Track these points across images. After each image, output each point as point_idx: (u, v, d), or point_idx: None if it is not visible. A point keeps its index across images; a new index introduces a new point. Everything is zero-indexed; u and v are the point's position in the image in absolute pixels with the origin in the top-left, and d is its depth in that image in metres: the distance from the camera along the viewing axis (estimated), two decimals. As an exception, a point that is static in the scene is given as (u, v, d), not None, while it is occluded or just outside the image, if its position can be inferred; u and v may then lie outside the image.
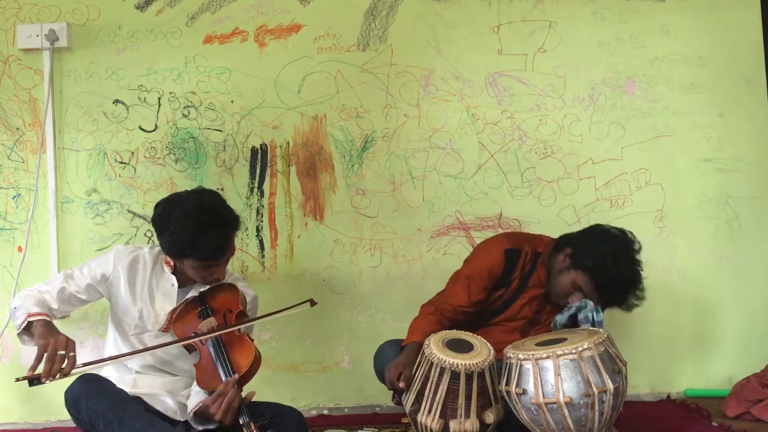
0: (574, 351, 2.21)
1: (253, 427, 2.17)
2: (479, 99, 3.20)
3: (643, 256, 2.56)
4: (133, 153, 3.13)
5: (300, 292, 3.08)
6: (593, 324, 2.46)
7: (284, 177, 3.16)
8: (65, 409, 2.29)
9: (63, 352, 2.14)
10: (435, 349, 2.33)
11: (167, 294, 2.47)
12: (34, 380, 2.11)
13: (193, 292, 2.47)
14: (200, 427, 2.29)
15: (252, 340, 2.39)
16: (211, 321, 2.39)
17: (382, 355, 2.61)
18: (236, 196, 3.12)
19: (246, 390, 2.28)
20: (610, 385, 2.20)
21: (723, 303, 3.20)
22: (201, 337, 2.34)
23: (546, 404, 2.21)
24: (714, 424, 2.71)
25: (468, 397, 2.31)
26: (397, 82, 3.18)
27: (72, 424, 2.33)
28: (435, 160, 3.19)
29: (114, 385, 2.33)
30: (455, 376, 2.29)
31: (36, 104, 3.10)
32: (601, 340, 2.26)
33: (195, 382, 2.35)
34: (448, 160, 3.19)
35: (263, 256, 3.14)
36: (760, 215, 3.22)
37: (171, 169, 3.13)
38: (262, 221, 3.15)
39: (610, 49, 3.22)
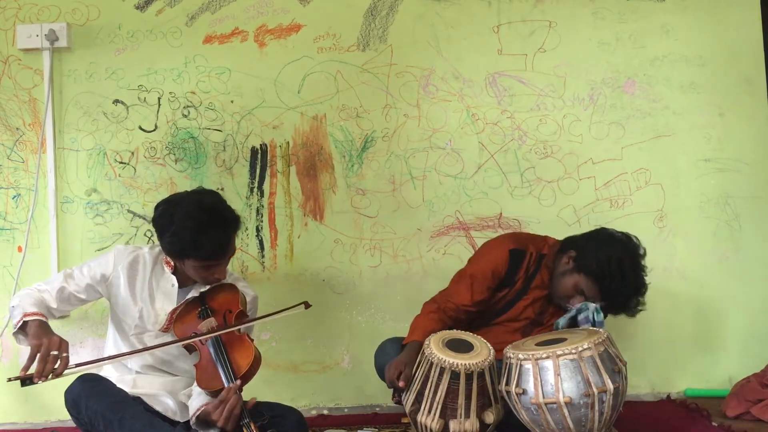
0: (574, 351, 2.21)
1: (253, 427, 2.17)
2: (479, 99, 3.20)
3: (643, 257, 2.58)
4: (133, 153, 3.13)
5: (300, 292, 3.08)
6: (594, 324, 2.46)
7: (284, 177, 3.16)
8: (65, 409, 2.29)
9: (56, 353, 2.14)
10: (435, 348, 2.33)
11: (167, 294, 2.47)
12: (26, 380, 2.11)
13: (193, 293, 2.47)
14: None
15: (252, 340, 2.39)
16: (211, 321, 2.39)
17: (383, 353, 2.61)
18: (236, 196, 3.12)
19: (246, 391, 2.28)
20: (610, 385, 2.20)
21: (723, 303, 3.20)
22: (201, 337, 2.34)
23: (546, 404, 2.21)
24: (714, 424, 2.71)
25: (468, 397, 2.31)
26: (397, 82, 3.18)
27: (72, 424, 2.33)
28: (435, 160, 3.19)
29: (114, 385, 2.33)
30: (455, 376, 2.29)
31: (36, 104, 3.10)
32: (600, 340, 2.26)
33: (195, 383, 2.35)
34: (448, 160, 3.19)
35: (263, 256, 3.14)
36: (760, 215, 3.22)
37: (171, 169, 3.13)
38: (262, 221, 3.15)
39: (610, 49, 3.22)
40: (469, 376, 2.29)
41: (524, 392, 2.24)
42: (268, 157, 3.16)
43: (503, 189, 3.19)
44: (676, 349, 3.19)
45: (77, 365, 2.24)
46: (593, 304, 2.49)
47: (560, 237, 2.72)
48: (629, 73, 3.22)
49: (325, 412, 3.07)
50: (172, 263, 2.46)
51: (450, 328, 2.52)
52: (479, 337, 2.46)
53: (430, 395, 2.33)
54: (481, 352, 2.36)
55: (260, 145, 3.16)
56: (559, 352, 2.22)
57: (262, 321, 2.56)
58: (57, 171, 3.08)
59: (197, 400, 2.32)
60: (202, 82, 3.15)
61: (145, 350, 2.39)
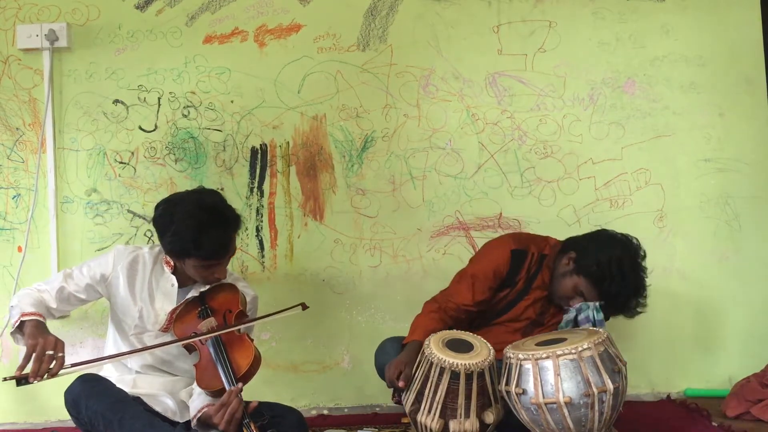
0: (573, 351, 2.21)
1: (253, 427, 2.17)
2: (479, 99, 3.20)
3: (642, 257, 2.58)
4: (133, 153, 3.13)
5: (300, 292, 3.08)
6: (594, 323, 2.46)
7: (284, 177, 3.16)
8: (65, 409, 2.29)
9: (51, 353, 2.14)
10: (435, 348, 2.33)
11: (167, 294, 2.47)
12: (21, 380, 2.11)
13: (193, 292, 2.47)
14: None
15: (252, 340, 2.39)
16: (211, 321, 2.39)
17: (383, 353, 2.61)
18: (236, 196, 3.12)
19: (246, 391, 2.27)
20: (610, 385, 2.20)
21: (723, 303, 3.20)
22: (201, 337, 2.34)
23: (546, 404, 2.21)
24: (714, 424, 2.71)
25: (468, 397, 2.31)
26: (397, 82, 3.18)
27: (72, 424, 2.33)
28: (435, 160, 3.19)
29: (114, 385, 2.33)
30: (455, 375, 2.29)
31: (36, 104, 3.10)
32: (600, 340, 2.26)
33: (195, 383, 2.35)
34: (448, 160, 3.19)
35: (263, 256, 3.14)
36: (760, 215, 3.22)
37: (171, 169, 3.13)
38: (261, 221, 3.15)
39: (610, 49, 3.22)
40: (469, 376, 2.29)
41: (524, 392, 2.24)
42: (268, 157, 3.16)
43: (503, 189, 3.19)
44: (676, 349, 3.19)
45: (74, 365, 2.24)
46: (593, 303, 2.49)
47: (560, 237, 2.72)
48: (629, 73, 3.22)
49: (325, 412, 3.07)
50: (172, 263, 2.46)
51: (450, 328, 2.52)
52: (479, 337, 2.46)
53: (430, 395, 2.33)
54: (481, 352, 2.36)
55: (260, 145, 3.16)
56: (559, 352, 2.22)
57: (262, 321, 2.56)
58: (57, 171, 3.08)
59: (198, 400, 2.32)
60: (202, 82, 3.15)
61: (144, 350, 2.39)
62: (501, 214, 3.18)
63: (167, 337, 2.44)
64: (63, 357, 2.16)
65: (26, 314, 2.26)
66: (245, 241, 3.13)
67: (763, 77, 3.23)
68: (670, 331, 3.18)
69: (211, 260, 2.37)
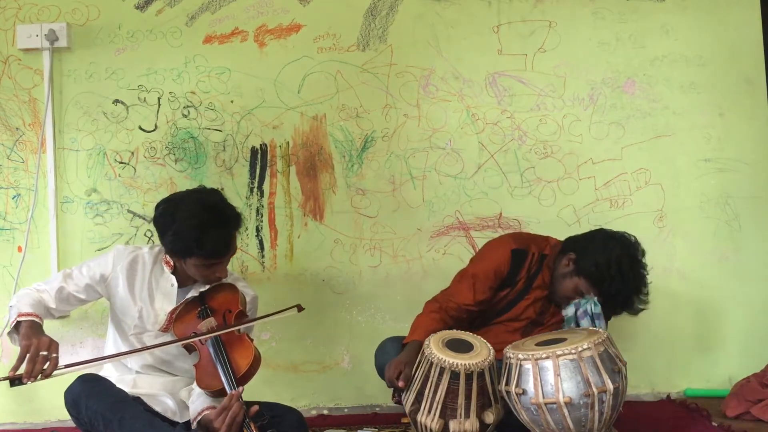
0: (573, 351, 2.21)
1: (252, 427, 2.17)
2: (479, 99, 3.20)
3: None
4: (133, 153, 3.13)
5: (300, 292, 3.09)
6: (591, 316, 2.46)
7: (284, 177, 3.16)
8: (65, 409, 2.29)
9: (45, 353, 2.13)
10: (435, 348, 2.33)
11: (167, 294, 2.47)
12: (15, 380, 2.11)
13: (192, 292, 2.47)
14: None
15: (252, 340, 2.38)
16: (211, 321, 2.39)
17: (383, 353, 2.62)
18: (236, 196, 3.12)
19: (246, 391, 2.27)
20: (610, 385, 2.20)
21: (723, 303, 3.20)
22: (200, 337, 2.34)
23: (546, 404, 2.21)
24: (714, 424, 2.71)
25: (468, 397, 2.31)
26: (397, 82, 3.18)
27: (72, 424, 2.33)
28: (435, 160, 3.19)
29: (114, 385, 2.33)
30: (455, 376, 2.29)
31: (36, 104, 3.10)
32: (600, 340, 2.26)
33: (195, 383, 2.35)
34: (447, 160, 3.19)
35: (263, 256, 3.14)
36: (760, 215, 3.22)
37: (171, 169, 3.13)
38: (261, 221, 3.15)
39: (610, 49, 3.22)
40: (468, 376, 2.29)
41: (524, 392, 2.24)
42: (268, 157, 3.16)
43: (503, 189, 3.19)
44: (676, 349, 3.19)
45: (73, 365, 2.24)
46: (590, 297, 2.49)
47: (560, 237, 2.72)
48: (629, 73, 3.22)
49: (325, 412, 3.07)
50: (172, 263, 2.46)
51: (451, 328, 2.52)
52: (479, 337, 2.46)
53: (430, 395, 2.33)
54: (481, 352, 2.36)
55: (260, 145, 3.16)
56: (558, 352, 2.22)
57: (262, 321, 2.55)
58: (57, 171, 3.08)
59: (198, 402, 2.32)
60: (202, 82, 3.15)
61: (144, 350, 2.39)
62: (501, 214, 3.18)
63: (167, 337, 2.44)
64: (57, 358, 2.16)
65: (23, 314, 2.26)
66: (245, 241, 3.12)
67: (763, 77, 3.23)
68: (670, 331, 3.19)
69: (213, 259, 2.38)
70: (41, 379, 2.12)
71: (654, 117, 3.21)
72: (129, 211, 3.11)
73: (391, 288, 3.15)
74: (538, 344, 2.33)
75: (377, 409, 3.07)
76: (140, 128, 3.13)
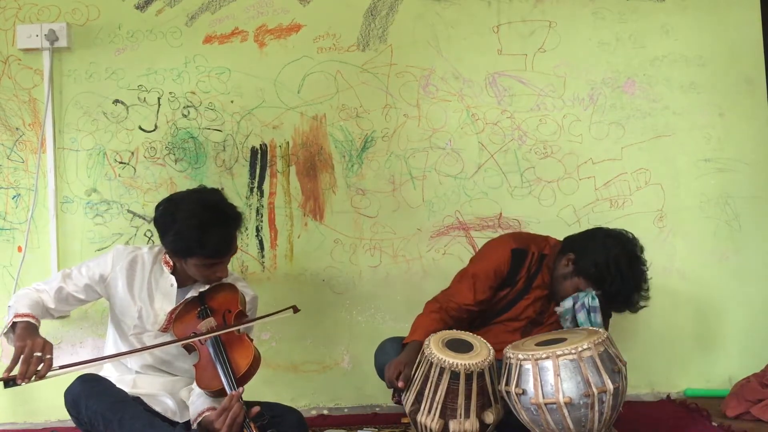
0: (573, 351, 2.21)
1: (253, 428, 2.17)
2: (479, 99, 3.20)
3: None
4: (132, 153, 3.13)
5: (300, 292, 3.09)
6: (588, 309, 2.46)
7: (284, 177, 3.16)
8: (65, 409, 2.29)
9: (39, 354, 2.13)
10: (435, 348, 2.33)
11: (166, 294, 2.47)
12: (9, 381, 2.11)
13: (192, 292, 2.47)
14: None
15: (251, 340, 2.38)
16: (211, 321, 2.39)
17: (383, 353, 2.62)
18: (236, 196, 3.12)
19: (246, 391, 2.27)
20: (610, 386, 2.20)
21: (723, 303, 3.20)
22: (200, 337, 2.34)
23: (546, 404, 2.21)
24: (714, 424, 2.71)
25: (468, 397, 2.31)
26: (397, 82, 3.18)
27: (72, 424, 2.33)
28: (435, 160, 3.18)
29: (114, 385, 2.33)
30: (455, 376, 2.29)
31: (36, 104, 3.10)
32: (600, 340, 2.26)
33: (195, 383, 2.35)
34: (447, 160, 3.19)
35: (263, 256, 3.14)
36: (760, 215, 3.22)
37: (171, 169, 3.13)
38: (261, 221, 3.15)
39: (610, 49, 3.22)
40: (468, 376, 2.29)
41: (524, 392, 2.24)
42: (268, 157, 3.16)
43: (503, 189, 3.19)
44: (676, 349, 3.19)
45: (73, 365, 2.24)
46: (589, 291, 2.49)
47: (560, 237, 2.72)
48: (629, 73, 3.22)
49: (325, 412, 3.07)
50: (171, 263, 2.45)
51: (451, 328, 2.52)
52: (479, 337, 2.46)
53: (430, 395, 2.33)
54: (481, 352, 2.36)
55: (260, 145, 3.16)
56: (558, 353, 2.22)
57: (262, 321, 2.55)
58: (57, 171, 3.08)
59: (198, 402, 2.32)
60: (202, 82, 3.15)
61: (143, 350, 2.39)
62: (501, 214, 3.18)
63: (167, 337, 2.44)
64: (51, 359, 2.16)
65: (19, 315, 2.26)
66: (245, 241, 3.12)
67: (763, 77, 3.22)
68: (670, 330, 3.19)
69: (214, 259, 2.38)
70: (35, 380, 2.12)
71: (654, 117, 3.21)
72: (129, 211, 3.11)
73: (391, 288, 3.15)
74: (538, 344, 2.33)
75: (377, 409, 3.07)
76: (140, 128, 3.13)
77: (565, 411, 2.20)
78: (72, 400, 2.25)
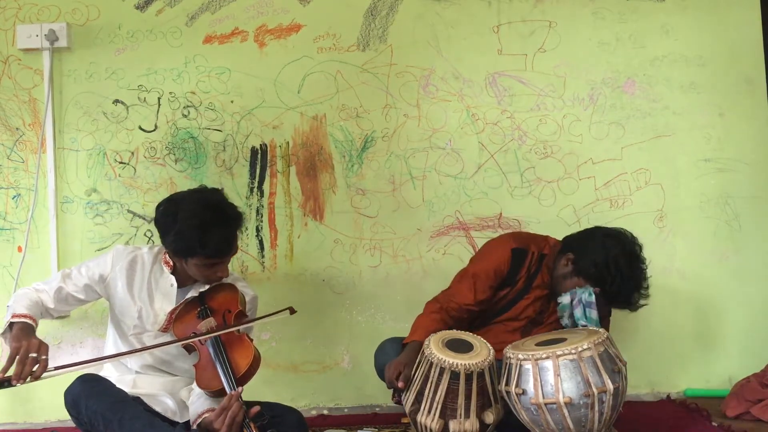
0: (573, 351, 2.21)
1: (252, 428, 2.17)
2: (479, 99, 3.20)
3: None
4: (133, 153, 3.13)
5: (300, 292, 3.09)
6: (584, 306, 2.46)
7: (284, 177, 3.16)
8: (65, 409, 2.29)
9: (35, 355, 2.13)
10: (435, 349, 2.33)
11: (166, 294, 2.47)
12: (4, 382, 2.11)
13: (192, 293, 2.47)
14: None
15: (251, 340, 2.38)
16: (211, 321, 2.39)
17: (383, 353, 2.62)
18: (236, 196, 3.11)
19: (246, 391, 2.27)
20: (610, 386, 2.20)
21: (723, 303, 3.20)
22: (200, 337, 2.34)
23: (546, 404, 2.21)
24: (714, 424, 2.71)
25: (468, 397, 2.31)
26: (397, 82, 3.18)
27: (72, 424, 2.33)
28: (435, 160, 3.19)
29: (114, 385, 2.33)
30: (455, 376, 2.29)
31: (36, 104, 3.10)
32: (600, 340, 2.26)
33: (195, 383, 2.35)
34: (447, 160, 3.19)
35: (263, 256, 3.14)
36: (760, 215, 3.22)
37: (171, 169, 3.13)
38: (262, 221, 3.15)
39: (610, 49, 3.22)
40: (468, 376, 2.29)
41: (524, 392, 2.24)
42: (268, 157, 3.16)
43: (503, 189, 3.19)
44: (676, 349, 3.19)
45: (69, 365, 2.24)
46: (587, 287, 2.49)
47: (560, 237, 2.72)
48: (629, 73, 3.22)
49: (325, 412, 3.07)
50: (171, 263, 2.45)
51: (451, 328, 2.52)
52: (479, 337, 2.46)
53: (430, 395, 2.33)
54: (481, 352, 2.36)
55: (260, 145, 3.16)
56: (558, 353, 2.22)
57: (261, 322, 2.55)
58: (57, 171, 3.08)
59: (197, 403, 2.32)
60: (202, 82, 3.15)
61: (143, 350, 2.39)
62: (501, 214, 3.18)
63: (167, 338, 2.44)
64: (46, 360, 2.16)
65: (16, 316, 2.26)
66: (245, 241, 3.12)
67: (763, 77, 3.23)
68: (670, 330, 3.19)
69: (216, 258, 2.37)
70: (30, 381, 2.13)
71: (654, 117, 3.21)
72: (129, 211, 3.11)
73: (391, 288, 3.15)
74: (538, 344, 2.33)
75: (377, 409, 3.07)
76: (140, 128, 3.13)
77: (565, 411, 2.20)
78: (72, 400, 2.25)
